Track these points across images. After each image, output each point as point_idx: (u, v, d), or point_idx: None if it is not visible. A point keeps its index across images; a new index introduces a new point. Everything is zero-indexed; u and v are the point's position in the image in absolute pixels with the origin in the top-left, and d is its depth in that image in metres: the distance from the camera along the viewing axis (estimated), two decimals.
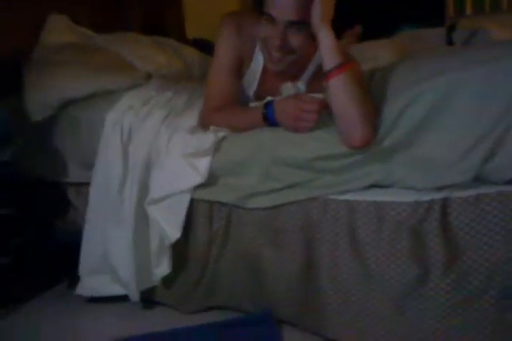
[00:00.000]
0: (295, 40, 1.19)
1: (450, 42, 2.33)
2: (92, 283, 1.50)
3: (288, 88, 1.39)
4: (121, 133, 1.45)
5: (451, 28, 2.40)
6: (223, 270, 1.36)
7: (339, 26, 1.20)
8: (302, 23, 1.15)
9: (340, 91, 1.11)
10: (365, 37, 2.38)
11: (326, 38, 1.13)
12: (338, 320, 1.22)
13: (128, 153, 1.43)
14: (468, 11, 3.30)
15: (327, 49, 1.13)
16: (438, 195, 1.10)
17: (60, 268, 1.66)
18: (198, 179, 1.28)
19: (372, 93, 1.19)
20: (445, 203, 1.10)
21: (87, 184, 1.51)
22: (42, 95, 1.56)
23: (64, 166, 1.62)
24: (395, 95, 1.13)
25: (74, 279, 1.53)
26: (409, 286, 1.12)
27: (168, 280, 1.42)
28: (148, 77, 1.75)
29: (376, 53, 2.09)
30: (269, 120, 1.25)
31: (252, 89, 1.45)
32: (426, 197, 1.11)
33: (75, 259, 1.50)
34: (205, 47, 2.39)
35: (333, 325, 1.23)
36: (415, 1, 3.19)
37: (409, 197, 1.12)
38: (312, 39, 1.16)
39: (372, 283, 1.17)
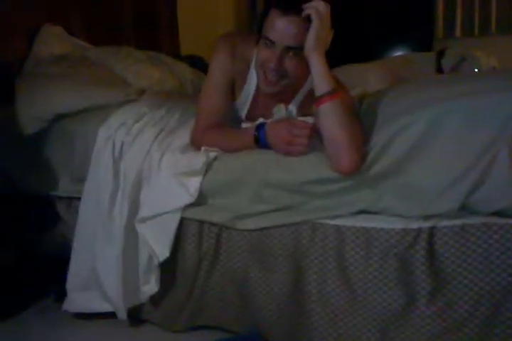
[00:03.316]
0: (290, 64, 1.21)
1: (439, 67, 2.37)
2: (79, 298, 1.48)
3: (280, 110, 1.41)
4: (112, 149, 1.45)
5: (441, 54, 2.44)
6: (211, 290, 1.36)
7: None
8: (299, 49, 1.17)
9: (329, 117, 1.13)
10: (355, 59, 2.40)
11: (317, 64, 1.15)
12: None
13: (119, 170, 1.43)
14: (458, 33, 3.37)
15: (318, 75, 1.15)
16: (425, 224, 1.11)
17: (48, 282, 1.64)
18: (188, 198, 1.28)
19: (361, 120, 1.21)
20: (432, 232, 1.11)
21: (78, 198, 1.50)
22: (34, 109, 1.56)
23: (54, 180, 1.61)
24: (384, 123, 1.15)
25: (61, 294, 1.51)
26: (395, 313, 1.14)
27: (156, 299, 1.41)
28: (142, 92, 1.75)
29: (366, 76, 2.12)
30: (261, 142, 1.26)
31: (244, 110, 1.46)
32: (414, 225, 1.12)
33: (63, 273, 1.49)
34: (198, 63, 2.41)
35: None
36: (404, 22, 3.26)
37: (398, 224, 1.13)
38: (306, 63, 1.18)
39: (359, 308, 1.18)
